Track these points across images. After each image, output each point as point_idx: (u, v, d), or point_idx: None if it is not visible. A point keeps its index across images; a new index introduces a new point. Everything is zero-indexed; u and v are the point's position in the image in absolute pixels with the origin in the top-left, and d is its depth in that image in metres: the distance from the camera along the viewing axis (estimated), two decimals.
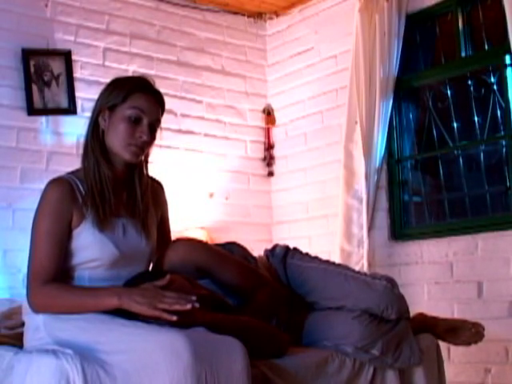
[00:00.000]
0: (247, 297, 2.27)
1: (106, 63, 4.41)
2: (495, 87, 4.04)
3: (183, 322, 1.87)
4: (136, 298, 1.91)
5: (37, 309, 2.01)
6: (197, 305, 1.89)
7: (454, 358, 3.18)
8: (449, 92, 4.27)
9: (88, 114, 2.22)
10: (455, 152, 4.25)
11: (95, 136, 2.15)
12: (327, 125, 4.74)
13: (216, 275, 2.28)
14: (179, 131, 4.64)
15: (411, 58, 4.43)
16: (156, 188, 2.31)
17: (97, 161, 2.12)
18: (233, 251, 2.51)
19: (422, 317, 2.80)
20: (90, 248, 2.07)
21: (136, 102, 2.12)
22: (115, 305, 1.93)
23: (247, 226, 4.86)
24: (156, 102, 2.18)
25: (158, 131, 2.20)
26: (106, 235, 2.07)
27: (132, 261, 2.13)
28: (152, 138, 2.16)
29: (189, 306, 1.87)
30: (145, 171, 2.24)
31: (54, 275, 2.00)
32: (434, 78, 4.37)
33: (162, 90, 2.23)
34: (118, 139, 2.12)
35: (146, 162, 2.25)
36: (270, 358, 2.09)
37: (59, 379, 1.78)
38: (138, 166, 2.21)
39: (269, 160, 5.09)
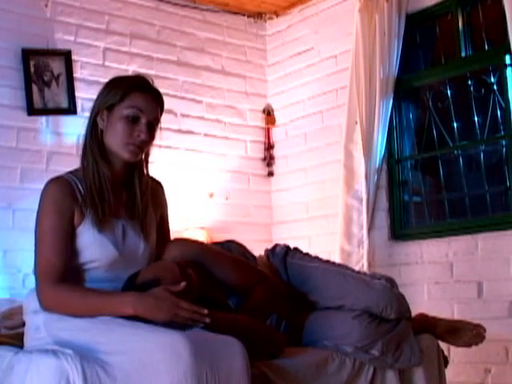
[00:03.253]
0: (246, 294, 2.26)
1: (106, 63, 4.41)
2: (495, 87, 4.04)
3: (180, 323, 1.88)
4: (152, 310, 1.90)
5: (47, 308, 1.99)
6: (208, 320, 1.89)
7: (454, 358, 3.17)
8: (449, 92, 4.27)
9: (88, 114, 2.21)
10: (455, 152, 4.25)
11: (94, 136, 2.15)
12: (327, 125, 4.74)
13: (212, 273, 2.27)
14: (179, 131, 4.64)
15: (411, 58, 4.42)
16: (156, 188, 2.30)
17: (95, 161, 2.11)
18: (231, 249, 2.51)
19: (422, 317, 2.80)
20: (90, 248, 2.06)
21: (134, 101, 2.11)
22: (130, 314, 1.92)
23: (247, 226, 4.85)
24: (154, 100, 2.16)
25: (158, 131, 2.19)
26: (105, 236, 2.07)
27: (131, 262, 2.12)
28: (151, 137, 2.14)
29: (201, 324, 1.89)
30: (145, 171, 2.23)
31: (63, 273, 1.99)
32: (433, 78, 4.36)
33: (161, 90, 2.22)
34: (116, 139, 2.11)
35: (147, 161, 2.23)
36: (265, 358, 2.08)
37: (59, 379, 1.78)
38: (137, 167, 2.20)
39: (269, 160, 5.08)
